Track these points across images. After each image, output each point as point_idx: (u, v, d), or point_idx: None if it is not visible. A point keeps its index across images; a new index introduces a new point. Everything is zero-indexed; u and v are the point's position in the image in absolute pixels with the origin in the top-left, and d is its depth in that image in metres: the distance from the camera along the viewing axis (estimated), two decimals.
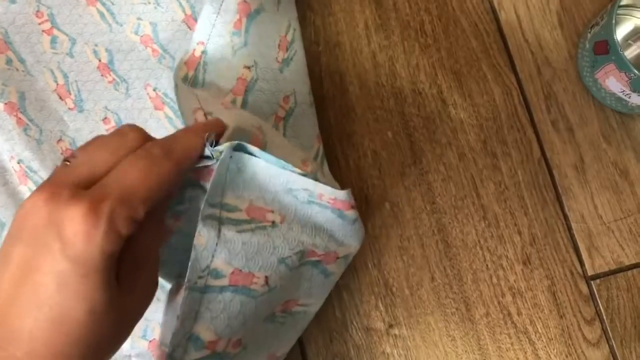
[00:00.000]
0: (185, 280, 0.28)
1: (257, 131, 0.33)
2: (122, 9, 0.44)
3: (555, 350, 0.40)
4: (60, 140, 0.42)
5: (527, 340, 0.40)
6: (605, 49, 0.40)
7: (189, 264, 0.29)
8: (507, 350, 0.40)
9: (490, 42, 0.44)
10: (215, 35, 0.38)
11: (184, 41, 0.43)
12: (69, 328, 0.22)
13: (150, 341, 0.40)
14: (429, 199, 0.42)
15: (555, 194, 0.42)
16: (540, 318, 0.40)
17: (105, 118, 0.43)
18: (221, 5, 0.38)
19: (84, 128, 0.43)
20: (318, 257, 0.33)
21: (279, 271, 0.31)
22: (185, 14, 0.44)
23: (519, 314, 0.40)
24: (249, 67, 0.38)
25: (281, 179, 0.31)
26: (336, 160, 0.42)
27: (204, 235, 0.29)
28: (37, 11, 0.44)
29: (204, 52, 0.38)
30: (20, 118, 0.42)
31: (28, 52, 0.44)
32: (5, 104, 0.42)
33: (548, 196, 0.42)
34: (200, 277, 0.29)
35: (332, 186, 0.32)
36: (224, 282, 0.30)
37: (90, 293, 0.22)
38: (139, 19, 0.44)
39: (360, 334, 0.40)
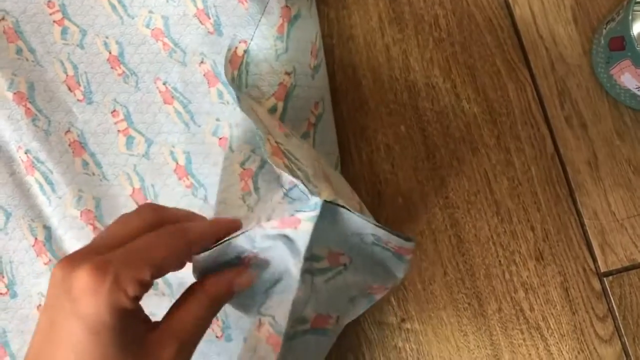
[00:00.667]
0: (284, 333, 0.30)
1: (323, 173, 0.34)
2: (134, 2, 0.44)
3: (567, 347, 0.39)
4: (68, 131, 0.42)
5: (539, 336, 0.40)
6: (621, 45, 0.39)
7: (289, 317, 0.30)
8: (519, 346, 0.39)
9: (505, 37, 0.43)
10: (258, 36, 0.38)
11: (195, 36, 0.43)
12: None
13: None
14: (442, 193, 0.41)
15: (568, 190, 0.41)
16: (552, 314, 0.40)
17: (114, 111, 0.43)
18: (266, 5, 0.38)
19: (93, 120, 0.43)
20: (372, 290, 0.34)
21: (348, 309, 0.34)
22: (197, 9, 0.43)
23: (532, 310, 0.40)
24: (289, 74, 0.38)
25: (355, 224, 0.32)
26: (349, 154, 0.42)
27: (301, 289, 0.31)
28: (49, 1, 0.44)
29: (246, 51, 0.38)
30: (29, 108, 0.42)
31: (38, 42, 0.43)
32: (15, 93, 0.42)
33: (561, 192, 0.41)
34: (292, 327, 0.31)
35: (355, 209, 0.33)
36: (307, 326, 0.32)
37: (102, 351, 0.22)
38: (150, 12, 0.43)
39: (372, 328, 0.40)
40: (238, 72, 0.39)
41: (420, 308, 0.40)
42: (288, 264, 0.31)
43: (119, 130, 0.42)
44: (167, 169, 0.41)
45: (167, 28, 0.43)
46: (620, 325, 0.40)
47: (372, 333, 0.40)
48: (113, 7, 0.44)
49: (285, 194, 0.31)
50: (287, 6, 0.39)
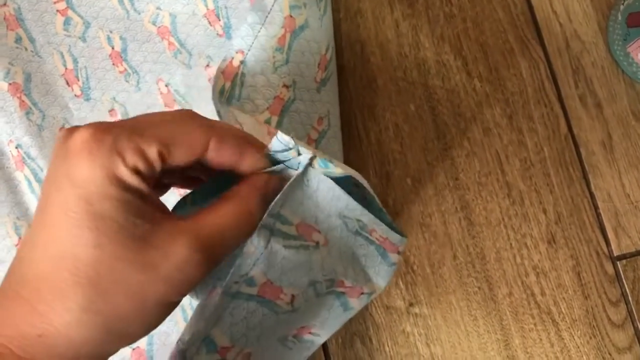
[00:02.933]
0: (224, 285, 0.27)
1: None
2: None
3: (579, 332, 0.39)
4: (62, 128, 0.40)
5: (550, 321, 0.39)
6: None
7: (232, 270, 0.27)
8: (530, 330, 0.39)
9: (518, 13, 0.42)
10: (257, 47, 0.37)
11: (203, 37, 0.41)
12: (73, 265, 0.20)
13: (134, 349, 0.39)
14: (452, 174, 0.40)
15: (581, 172, 0.40)
16: (564, 299, 0.39)
17: (112, 109, 0.41)
18: (267, 16, 0.36)
19: (89, 117, 0.41)
20: (344, 289, 0.32)
21: (306, 294, 0.31)
22: (208, 9, 0.41)
23: (543, 294, 0.39)
24: (287, 87, 0.37)
25: (341, 202, 0.30)
26: (357, 133, 0.41)
27: (255, 244, 0.28)
28: None
29: (242, 62, 0.37)
30: (23, 101, 0.40)
31: (39, 32, 0.41)
32: (10, 84, 0.40)
33: (574, 174, 0.40)
34: (236, 283, 0.29)
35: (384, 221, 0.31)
36: (254, 291, 0.29)
37: (95, 223, 0.20)
38: (158, 8, 0.41)
39: (379, 312, 0.39)
40: (232, 83, 0.37)
41: (429, 292, 0.39)
42: None
43: None
44: None
45: (174, 27, 0.41)
46: (634, 310, 0.39)
47: (380, 317, 0.39)
48: (120, 0, 0.42)
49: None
50: (291, 16, 0.37)
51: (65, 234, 0.20)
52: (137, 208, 0.21)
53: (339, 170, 0.29)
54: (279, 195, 0.28)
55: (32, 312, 0.20)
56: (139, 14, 0.42)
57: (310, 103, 0.38)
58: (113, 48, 0.41)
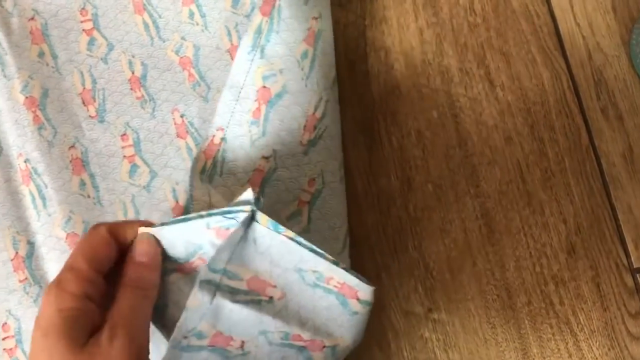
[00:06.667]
0: (171, 339, 0.29)
1: None
2: (169, 25, 0.42)
3: (597, 343, 0.38)
4: (72, 147, 0.41)
5: (569, 331, 0.39)
6: None
7: (178, 323, 0.29)
8: (548, 340, 0.39)
9: (541, 25, 0.42)
10: (233, 123, 0.37)
11: (223, 72, 0.41)
12: None
13: None
14: (473, 182, 0.40)
15: (602, 183, 0.40)
16: (583, 309, 0.39)
17: (124, 134, 0.41)
18: (240, 92, 0.37)
19: (101, 140, 0.41)
20: (304, 343, 0.32)
21: (257, 340, 0.32)
22: (232, 44, 0.41)
23: (562, 303, 0.39)
24: (267, 158, 0.37)
25: (295, 256, 0.31)
26: (379, 138, 0.41)
27: (198, 299, 0.29)
28: (82, 9, 0.42)
29: (223, 139, 0.37)
30: (37, 115, 0.40)
31: (63, 49, 0.42)
32: (27, 97, 0.40)
33: (595, 185, 0.40)
34: (185, 337, 0.30)
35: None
36: (204, 342, 0.31)
37: (50, 350, 0.26)
38: (183, 38, 0.42)
39: (398, 318, 0.39)
40: (213, 160, 0.37)
41: (448, 298, 0.39)
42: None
43: (124, 156, 0.41)
44: (165, 206, 0.40)
45: (196, 58, 0.41)
46: None
47: (398, 322, 0.39)
48: (146, 26, 0.42)
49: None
50: (264, 87, 0.37)
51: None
52: (83, 324, 0.27)
53: (290, 233, 0.30)
54: (214, 254, 0.29)
55: None
56: (164, 42, 0.42)
57: (296, 168, 0.37)
58: (133, 73, 0.41)
